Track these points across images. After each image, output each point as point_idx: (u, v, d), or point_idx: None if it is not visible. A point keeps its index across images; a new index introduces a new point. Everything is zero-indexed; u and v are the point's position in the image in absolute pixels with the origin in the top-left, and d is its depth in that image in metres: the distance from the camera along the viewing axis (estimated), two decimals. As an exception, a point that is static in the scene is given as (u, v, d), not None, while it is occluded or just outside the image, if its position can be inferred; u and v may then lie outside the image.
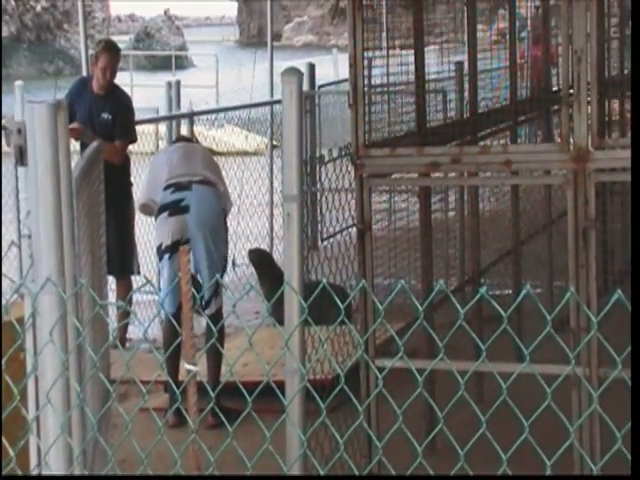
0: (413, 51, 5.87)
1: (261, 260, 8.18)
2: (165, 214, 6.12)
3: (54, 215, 2.58)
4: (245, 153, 12.39)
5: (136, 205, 6.78)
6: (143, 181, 6.66)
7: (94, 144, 3.71)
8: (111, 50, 7.72)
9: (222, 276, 6.27)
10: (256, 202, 11.02)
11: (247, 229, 10.24)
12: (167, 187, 6.19)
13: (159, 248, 6.22)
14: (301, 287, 3.22)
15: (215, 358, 6.10)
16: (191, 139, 7.01)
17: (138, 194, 6.59)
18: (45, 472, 2.38)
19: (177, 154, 6.50)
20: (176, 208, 6.09)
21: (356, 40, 4.62)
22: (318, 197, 9.87)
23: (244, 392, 2.41)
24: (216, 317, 6.12)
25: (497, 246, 7.74)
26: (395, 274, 7.74)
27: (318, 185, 9.18)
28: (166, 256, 6.11)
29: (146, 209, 6.48)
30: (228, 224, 6.63)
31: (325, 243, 9.29)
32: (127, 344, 7.64)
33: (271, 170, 10.93)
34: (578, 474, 3.83)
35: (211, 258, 6.08)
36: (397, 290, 1.92)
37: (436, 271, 7.32)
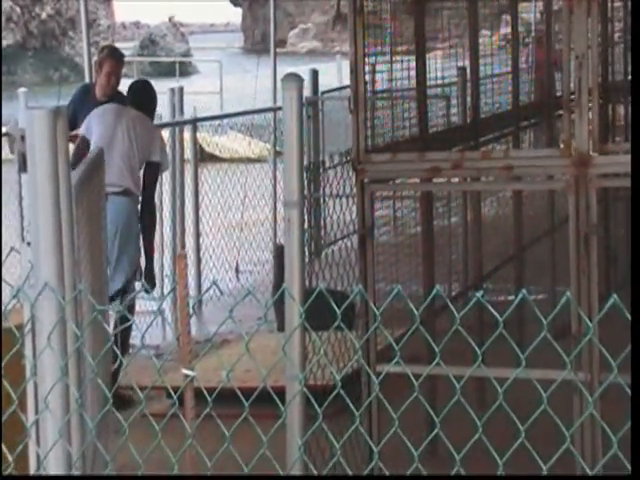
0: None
1: (280, 255, 8.16)
2: None
3: (53, 221, 2.58)
4: (248, 159, 12.38)
5: None
6: None
7: (95, 150, 3.72)
8: (115, 56, 7.74)
9: (130, 278, 7.07)
10: (259, 208, 11.01)
11: (250, 236, 10.23)
12: None
13: None
14: (302, 292, 3.22)
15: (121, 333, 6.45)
16: (141, 94, 7.30)
17: None
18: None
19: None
20: None
21: (357, 46, 4.62)
22: (321, 203, 9.87)
23: (241, 398, 2.41)
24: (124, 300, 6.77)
25: (500, 252, 7.73)
26: (398, 280, 7.73)
27: (321, 191, 9.17)
28: None
29: None
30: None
31: (328, 249, 9.29)
32: (130, 350, 7.63)
33: (274, 176, 10.93)
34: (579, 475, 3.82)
35: (120, 262, 6.94)
36: (393, 295, 1.92)
37: (439, 277, 7.32)
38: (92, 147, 6.90)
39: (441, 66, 7.07)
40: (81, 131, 7.11)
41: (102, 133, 7.02)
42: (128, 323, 6.25)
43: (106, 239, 7.52)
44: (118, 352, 6.02)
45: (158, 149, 7.15)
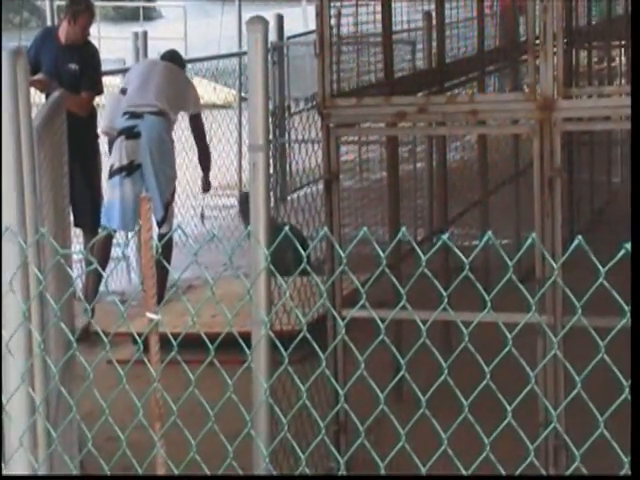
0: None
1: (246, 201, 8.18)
2: (122, 137, 7.19)
3: (15, 163, 2.54)
4: (213, 105, 12.29)
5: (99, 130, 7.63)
6: (106, 108, 7.66)
7: (56, 93, 3.66)
8: (91, 11, 7.74)
9: (171, 197, 7.32)
10: (224, 154, 10.94)
11: (215, 181, 10.17)
12: (124, 114, 7.25)
13: (111, 168, 7.20)
14: (267, 236, 3.21)
15: (161, 272, 6.46)
16: (173, 55, 7.86)
17: (101, 121, 7.62)
18: (6, 422, 2.36)
19: (136, 82, 7.48)
20: (130, 133, 7.16)
21: (322, -11, 4.56)
22: (287, 149, 9.83)
23: (207, 343, 2.40)
24: (166, 237, 7.02)
25: (466, 196, 7.75)
26: (364, 225, 7.71)
27: (287, 136, 9.13)
28: (121, 174, 7.12)
29: (107, 134, 7.52)
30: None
31: (294, 195, 9.27)
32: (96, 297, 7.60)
33: (239, 122, 10.85)
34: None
35: (158, 180, 7.14)
36: (360, 236, 1.91)
37: (405, 221, 7.32)
38: (130, 88, 7.35)
39: (407, 11, 7.03)
40: (122, 84, 7.64)
41: (139, 73, 7.52)
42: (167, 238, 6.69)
43: (67, 183, 7.57)
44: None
45: (193, 99, 7.52)
